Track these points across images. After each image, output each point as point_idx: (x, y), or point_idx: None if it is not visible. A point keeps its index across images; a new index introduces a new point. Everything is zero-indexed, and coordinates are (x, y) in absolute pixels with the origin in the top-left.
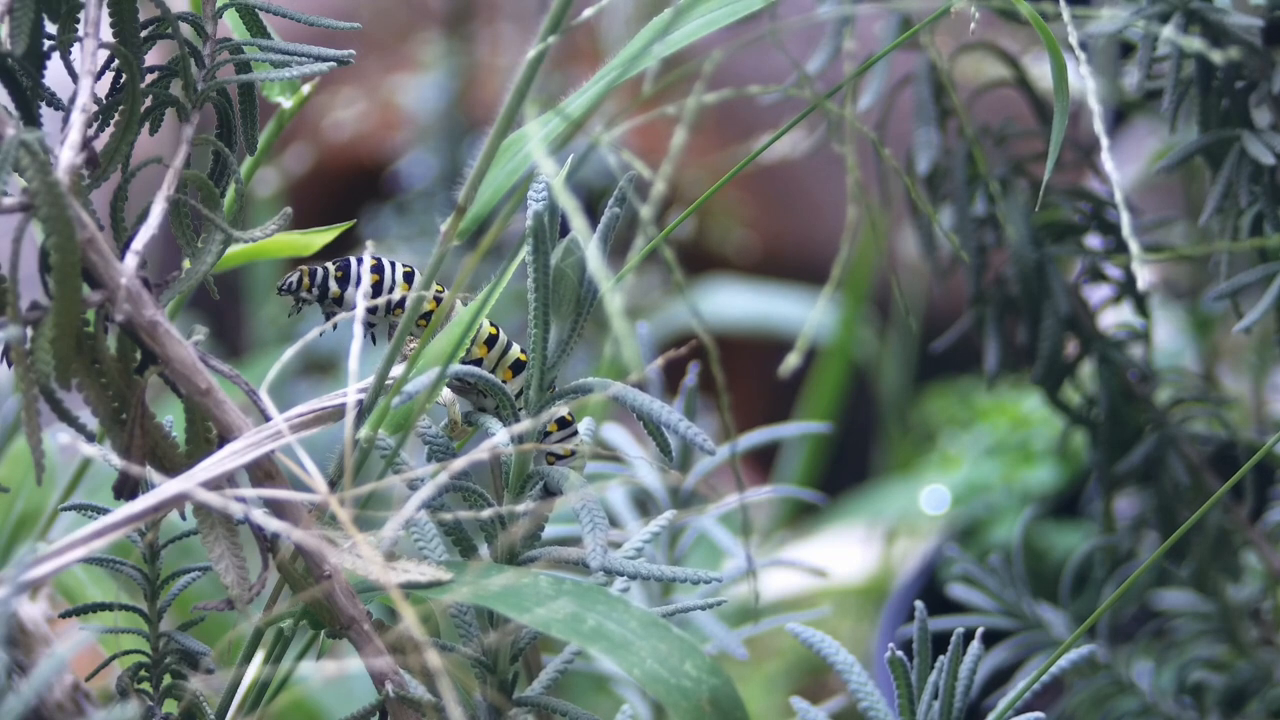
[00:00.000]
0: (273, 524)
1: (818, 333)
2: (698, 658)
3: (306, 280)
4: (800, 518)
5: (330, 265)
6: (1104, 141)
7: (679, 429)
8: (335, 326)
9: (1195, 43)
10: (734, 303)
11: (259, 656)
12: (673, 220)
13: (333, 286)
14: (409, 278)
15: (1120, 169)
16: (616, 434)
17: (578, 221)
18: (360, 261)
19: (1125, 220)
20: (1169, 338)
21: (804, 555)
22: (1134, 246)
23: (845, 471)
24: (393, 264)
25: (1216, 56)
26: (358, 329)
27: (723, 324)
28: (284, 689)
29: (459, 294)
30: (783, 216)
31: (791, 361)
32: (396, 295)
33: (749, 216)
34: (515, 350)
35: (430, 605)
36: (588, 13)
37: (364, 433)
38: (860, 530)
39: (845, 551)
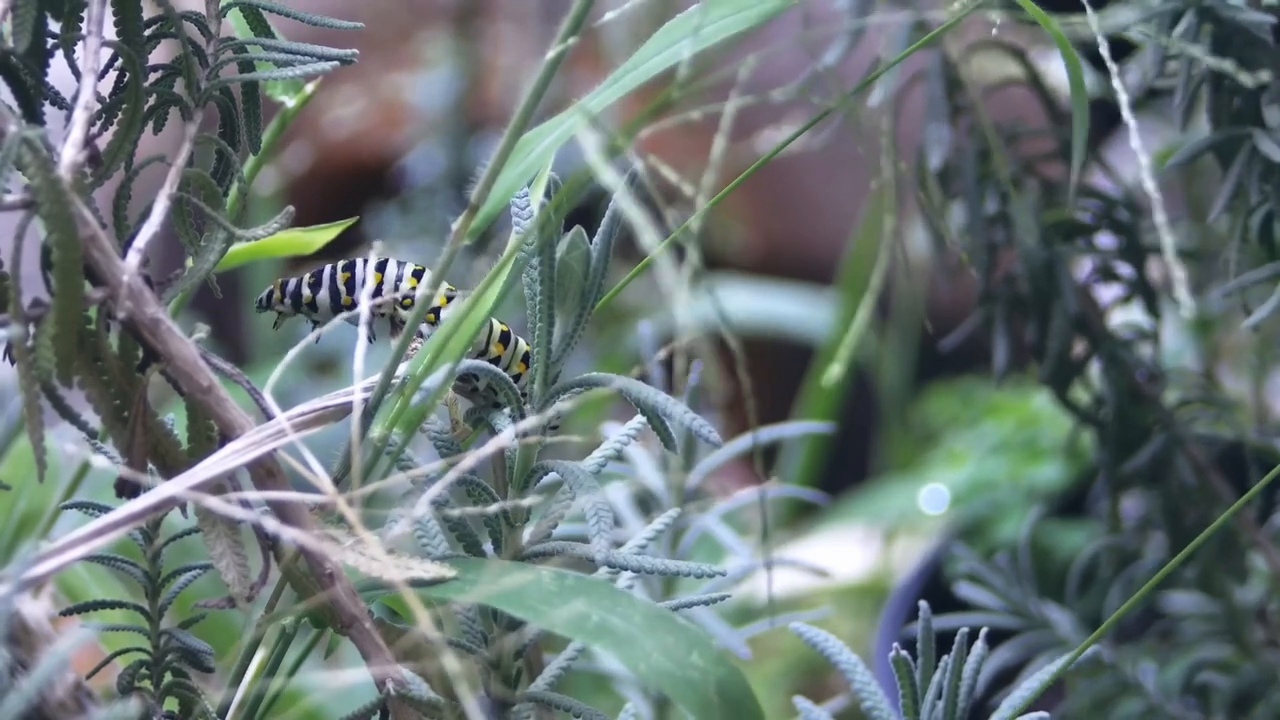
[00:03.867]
0: (274, 525)
1: (819, 332)
2: (704, 649)
3: (279, 294)
4: (801, 517)
5: (306, 276)
6: (1135, 139)
7: (683, 420)
8: (318, 340)
9: (1202, 54)
10: (733, 302)
11: (260, 654)
12: (676, 221)
13: (305, 293)
14: (381, 267)
15: (1121, 168)
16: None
17: (631, 211)
18: (335, 270)
19: (1159, 217)
20: (1170, 337)
21: (805, 555)
22: (1167, 244)
23: (846, 471)
24: (364, 261)
25: (1247, 80)
26: (362, 330)
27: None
28: (284, 688)
29: (452, 292)
30: (783, 216)
31: (835, 373)
32: (371, 285)
33: (749, 216)
34: (523, 344)
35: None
36: (609, 15)
37: (377, 431)
38: (861, 529)
39: (846, 551)
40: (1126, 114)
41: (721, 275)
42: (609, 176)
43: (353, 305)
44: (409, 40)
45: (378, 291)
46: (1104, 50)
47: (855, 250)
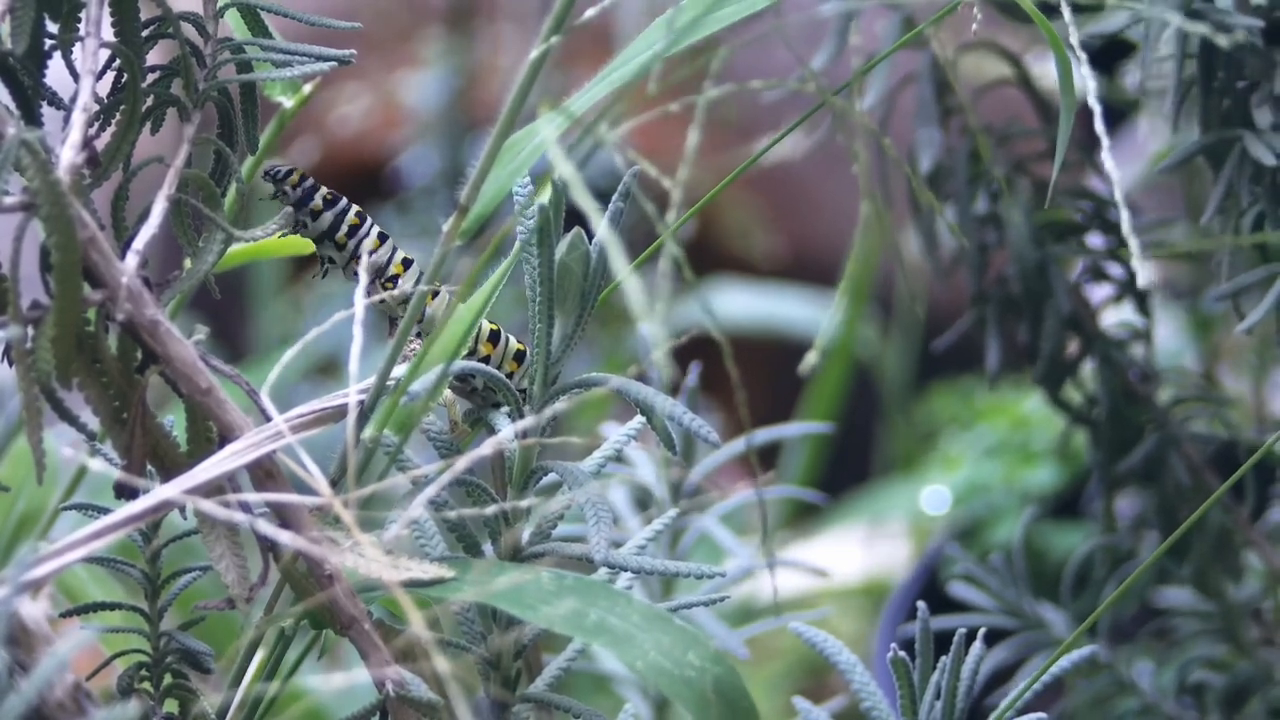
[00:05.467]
0: (272, 528)
1: (826, 333)
2: (700, 648)
3: (295, 179)
4: (801, 517)
5: (325, 190)
6: (1104, 141)
7: (682, 420)
8: (280, 234)
9: (1201, 28)
10: (734, 303)
11: (259, 655)
12: (675, 220)
13: (315, 202)
14: (384, 237)
15: (1121, 169)
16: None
17: (593, 213)
18: (350, 206)
19: (1125, 219)
20: (1169, 337)
21: (805, 555)
22: (1134, 245)
23: (846, 471)
24: (371, 222)
25: (1222, 40)
26: (357, 331)
27: (723, 324)
28: (284, 687)
29: (454, 292)
30: (781, 216)
31: (810, 361)
32: (367, 245)
33: (748, 216)
34: (514, 342)
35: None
36: (590, 13)
37: (369, 432)
38: (861, 530)
39: (846, 551)
40: (1096, 111)
41: (722, 277)
42: (569, 172)
43: (343, 246)
44: (410, 40)
45: (376, 276)
46: (1074, 40)
47: (855, 251)
